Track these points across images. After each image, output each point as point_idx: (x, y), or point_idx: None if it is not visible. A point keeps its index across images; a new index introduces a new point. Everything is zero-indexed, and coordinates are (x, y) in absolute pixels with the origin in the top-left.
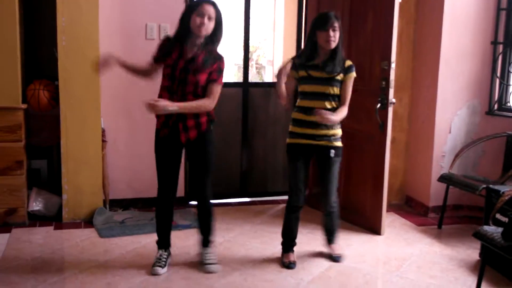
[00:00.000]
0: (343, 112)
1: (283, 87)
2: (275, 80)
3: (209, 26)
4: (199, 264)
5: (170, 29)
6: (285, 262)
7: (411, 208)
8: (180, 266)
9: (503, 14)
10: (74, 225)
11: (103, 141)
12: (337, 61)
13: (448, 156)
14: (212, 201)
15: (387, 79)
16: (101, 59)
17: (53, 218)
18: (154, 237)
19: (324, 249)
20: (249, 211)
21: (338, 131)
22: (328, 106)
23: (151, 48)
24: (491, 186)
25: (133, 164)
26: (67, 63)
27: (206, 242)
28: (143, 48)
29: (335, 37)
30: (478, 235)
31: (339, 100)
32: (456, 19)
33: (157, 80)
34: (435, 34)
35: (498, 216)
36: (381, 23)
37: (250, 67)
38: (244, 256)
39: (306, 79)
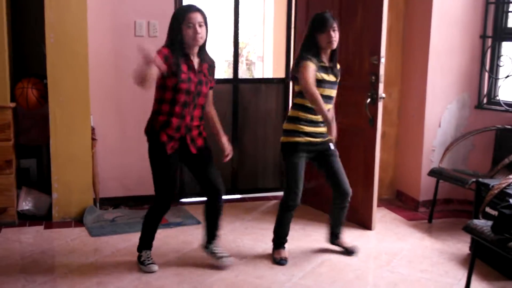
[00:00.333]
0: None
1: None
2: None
3: (203, 32)
4: (212, 259)
5: (159, 26)
6: (277, 258)
7: (402, 202)
8: (171, 263)
9: (491, 8)
10: (64, 224)
11: (93, 139)
12: (336, 62)
13: (438, 150)
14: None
15: (376, 74)
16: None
17: (43, 218)
18: None
19: (328, 245)
20: (240, 207)
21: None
22: (330, 107)
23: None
24: (480, 179)
25: (124, 162)
26: (55, 61)
27: (215, 236)
28: (132, 45)
29: (336, 37)
30: (468, 229)
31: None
32: (445, 13)
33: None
34: (424, 28)
35: (487, 209)
36: (370, 18)
37: (240, 63)
38: (235, 252)
39: (321, 82)
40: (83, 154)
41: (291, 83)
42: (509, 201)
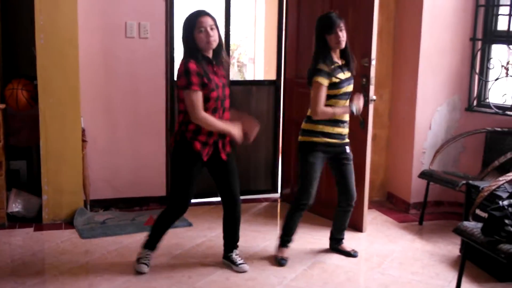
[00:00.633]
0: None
1: None
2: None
3: (215, 35)
4: (230, 266)
5: (150, 27)
6: (278, 256)
7: (393, 204)
8: (162, 266)
9: (481, 10)
10: (55, 226)
11: (83, 140)
12: (350, 58)
13: (428, 152)
14: (240, 205)
15: (367, 76)
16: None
17: (33, 220)
18: (135, 237)
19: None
20: None
21: (348, 129)
22: (348, 103)
23: (131, 46)
24: (470, 182)
25: (114, 164)
26: (46, 62)
27: (235, 246)
28: (123, 46)
29: (344, 36)
30: (458, 231)
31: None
32: (436, 16)
33: (148, 82)
34: (414, 31)
35: (478, 211)
36: (361, 21)
37: (231, 65)
38: None
39: (337, 84)
40: (74, 155)
41: (282, 86)
42: (499, 203)
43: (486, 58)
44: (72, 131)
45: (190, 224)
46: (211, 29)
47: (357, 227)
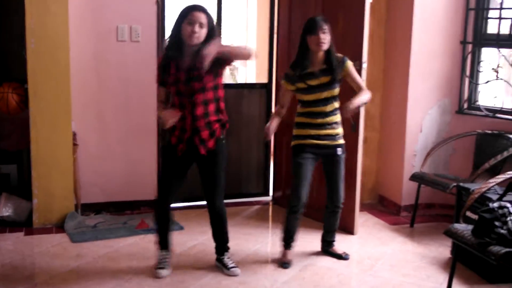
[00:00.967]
0: (364, 94)
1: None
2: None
3: (201, 34)
4: (222, 269)
5: (141, 31)
6: (280, 260)
7: (384, 207)
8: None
9: (471, 14)
10: (45, 230)
11: (75, 144)
12: (334, 63)
13: (419, 155)
14: (224, 207)
15: None
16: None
17: (23, 224)
18: (127, 241)
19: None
20: None
21: (340, 130)
22: (329, 109)
23: (122, 50)
24: (461, 184)
25: (105, 167)
26: (36, 66)
27: (225, 248)
28: (114, 49)
29: (325, 39)
30: (449, 233)
31: (339, 100)
32: (426, 19)
33: (139, 85)
34: (405, 34)
35: (468, 213)
36: (352, 24)
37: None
38: None
39: (306, 90)
40: (64, 159)
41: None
42: (489, 205)
43: (476, 61)
44: (63, 135)
45: (181, 228)
46: (200, 26)
47: (349, 229)
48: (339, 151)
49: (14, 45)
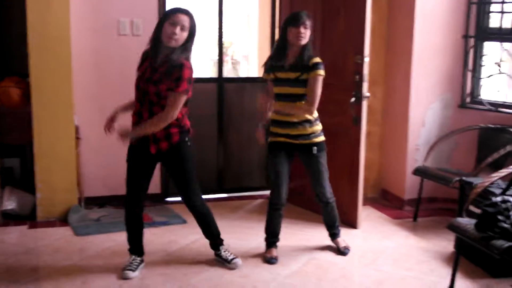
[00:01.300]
0: (293, 107)
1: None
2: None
3: (181, 36)
4: (224, 264)
5: (143, 24)
6: (267, 256)
7: (387, 201)
8: (156, 263)
9: (473, 7)
10: (49, 223)
11: (77, 138)
12: (302, 59)
13: (422, 149)
14: (203, 204)
15: (360, 73)
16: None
17: (27, 217)
18: None
19: (330, 243)
20: (225, 207)
21: (316, 128)
22: (282, 104)
23: (124, 44)
24: (464, 178)
25: (108, 161)
26: (38, 60)
27: (218, 243)
28: (116, 44)
29: (305, 34)
30: (452, 227)
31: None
32: (428, 13)
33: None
34: (407, 29)
35: (471, 208)
36: (353, 17)
37: (225, 63)
38: None
39: (275, 81)
40: (67, 153)
41: None
42: (492, 199)
43: (478, 55)
44: (65, 128)
45: (184, 221)
46: (181, 28)
47: (352, 223)
48: (315, 150)
49: (15, 40)
